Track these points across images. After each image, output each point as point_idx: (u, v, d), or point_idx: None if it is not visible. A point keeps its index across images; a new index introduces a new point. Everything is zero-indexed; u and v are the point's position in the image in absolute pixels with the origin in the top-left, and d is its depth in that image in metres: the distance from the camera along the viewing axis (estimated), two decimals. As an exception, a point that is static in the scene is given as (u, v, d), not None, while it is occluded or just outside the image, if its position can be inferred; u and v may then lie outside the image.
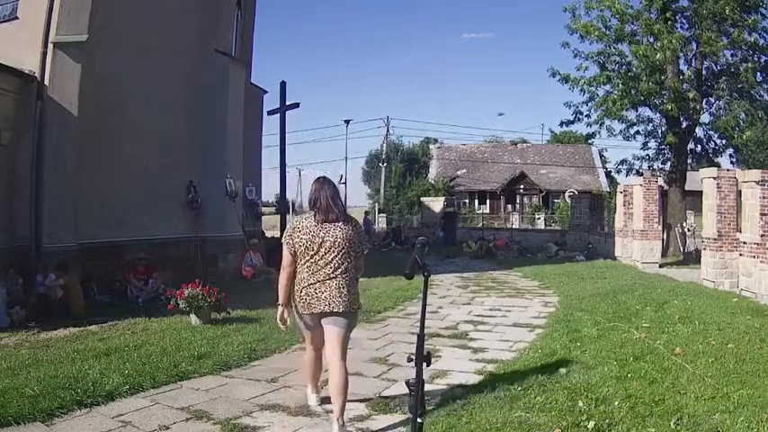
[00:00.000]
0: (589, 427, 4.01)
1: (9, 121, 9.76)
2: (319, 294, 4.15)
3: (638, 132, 19.74)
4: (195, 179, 12.70)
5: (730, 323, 7.45)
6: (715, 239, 11.81)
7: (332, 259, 4.18)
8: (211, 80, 12.96)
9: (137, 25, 11.10)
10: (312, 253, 4.18)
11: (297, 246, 4.21)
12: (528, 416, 4.25)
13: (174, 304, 7.87)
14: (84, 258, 9.96)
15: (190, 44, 12.66)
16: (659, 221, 16.70)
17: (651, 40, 17.63)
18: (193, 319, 7.85)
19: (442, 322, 8.34)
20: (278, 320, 4.36)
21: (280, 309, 4.32)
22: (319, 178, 4.43)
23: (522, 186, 43.16)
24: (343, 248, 4.20)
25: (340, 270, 4.18)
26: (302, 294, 4.20)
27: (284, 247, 4.29)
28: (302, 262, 4.22)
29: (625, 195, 18.05)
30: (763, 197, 10.33)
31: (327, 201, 4.23)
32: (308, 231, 4.20)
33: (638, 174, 19.59)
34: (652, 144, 20.07)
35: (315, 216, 4.24)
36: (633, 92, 18.03)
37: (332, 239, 4.18)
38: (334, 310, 4.16)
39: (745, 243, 11.01)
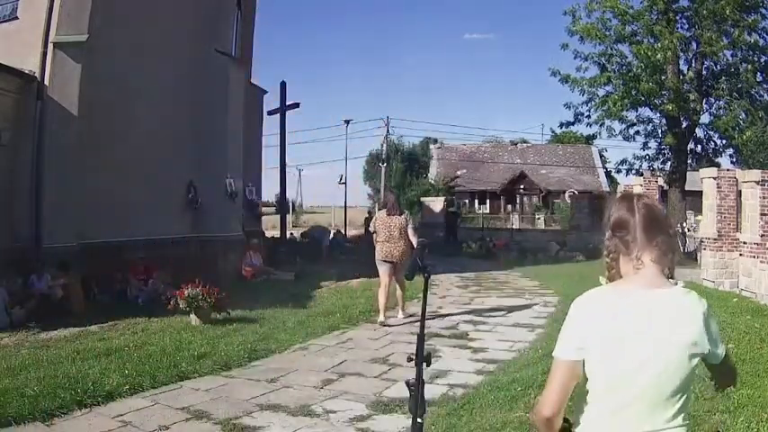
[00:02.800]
0: (589, 427, 4.01)
1: (9, 121, 9.74)
2: (393, 252, 8.05)
3: (638, 132, 19.71)
4: (195, 179, 12.67)
5: (730, 323, 7.45)
6: (715, 239, 11.80)
7: (395, 233, 8.08)
8: (211, 80, 12.92)
9: (137, 25, 11.07)
10: (384, 230, 8.15)
11: (377, 227, 8.25)
12: (528, 416, 4.25)
13: (174, 304, 7.87)
14: (85, 258, 9.96)
15: (190, 44, 12.62)
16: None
17: (651, 40, 17.63)
18: (193, 319, 7.84)
19: (443, 322, 8.34)
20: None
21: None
22: (386, 187, 8.90)
23: (522, 186, 43.07)
24: (400, 228, 8.10)
25: (400, 239, 8.06)
26: (384, 250, 8.12)
27: (371, 226, 8.62)
28: (380, 234, 8.19)
29: (625, 195, 17.99)
30: (763, 197, 10.33)
31: (392, 203, 8.45)
32: (382, 219, 8.28)
33: (639, 174, 19.58)
34: (652, 144, 20.06)
35: (385, 211, 8.39)
36: (633, 92, 18.00)
37: (393, 224, 8.13)
38: (396, 261, 8.00)
39: (745, 243, 11.01)
